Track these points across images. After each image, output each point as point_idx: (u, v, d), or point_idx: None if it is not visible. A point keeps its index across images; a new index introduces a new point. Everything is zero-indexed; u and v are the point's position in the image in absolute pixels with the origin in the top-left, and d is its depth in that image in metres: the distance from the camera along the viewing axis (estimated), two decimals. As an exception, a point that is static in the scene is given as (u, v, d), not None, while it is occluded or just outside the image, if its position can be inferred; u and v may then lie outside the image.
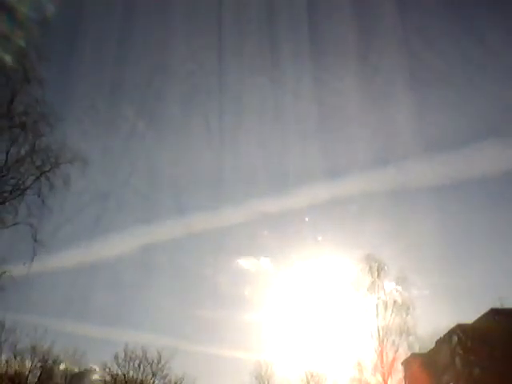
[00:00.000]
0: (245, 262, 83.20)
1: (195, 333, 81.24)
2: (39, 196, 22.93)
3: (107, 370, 61.77)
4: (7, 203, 23.27)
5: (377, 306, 46.68)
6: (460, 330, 50.68)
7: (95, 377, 62.90)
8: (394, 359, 46.55)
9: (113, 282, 78.04)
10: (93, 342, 74.18)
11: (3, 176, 22.66)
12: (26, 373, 58.29)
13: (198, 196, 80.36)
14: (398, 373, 49.88)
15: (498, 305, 48.05)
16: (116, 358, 61.42)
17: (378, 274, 47.03)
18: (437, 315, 59.67)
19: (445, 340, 52.87)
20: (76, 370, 61.81)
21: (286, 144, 75.73)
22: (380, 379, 46.16)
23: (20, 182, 23.02)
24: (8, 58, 21.66)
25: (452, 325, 51.44)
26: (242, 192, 79.82)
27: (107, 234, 71.19)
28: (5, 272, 23.89)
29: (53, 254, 45.66)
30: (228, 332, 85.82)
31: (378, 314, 46.54)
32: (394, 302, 46.70)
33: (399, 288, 47.14)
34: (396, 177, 65.61)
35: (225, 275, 79.95)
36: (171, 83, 72.16)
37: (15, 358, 57.45)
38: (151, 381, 61.81)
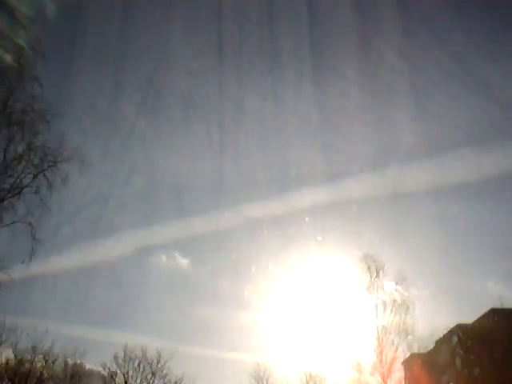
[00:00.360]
0: (245, 263, 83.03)
1: (194, 334, 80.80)
2: (37, 193, 22.95)
3: (107, 369, 62.01)
4: (5, 202, 23.30)
5: (376, 305, 46.69)
6: (460, 330, 50.68)
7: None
8: (393, 359, 46.49)
9: (112, 284, 78.09)
10: (92, 343, 74.13)
11: (1, 174, 22.68)
12: (26, 373, 58.32)
13: (198, 198, 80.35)
14: (398, 373, 49.87)
15: (498, 305, 48.09)
16: (115, 357, 61.66)
17: (377, 274, 46.99)
18: (437, 315, 59.48)
19: (445, 340, 52.85)
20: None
21: (285, 145, 76.15)
22: (379, 379, 46.12)
23: (18, 180, 23.05)
24: (7, 57, 21.69)
25: (452, 325, 51.50)
26: (243, 194, 79.74)
27: (107, 235, 71.18)
28: (2, 269, 23.88)
29: (52, 256, 45.61)
30: (227, 333, 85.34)
31: (377, 314, 46.57)
32: (394, 301, 46.67)
33: (399, 288, 47.14)
34: (397, 179, 65.95)
35: (224, 276, 79.86)
36: (171, 83, 72.24)
37: (15, 357, 57.55)
38: (151, 381, 61.93)
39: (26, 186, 23.10)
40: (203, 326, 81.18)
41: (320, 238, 52.95)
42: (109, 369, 61.86)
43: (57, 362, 59.84)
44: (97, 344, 76.23)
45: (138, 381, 61.71)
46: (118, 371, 61.42)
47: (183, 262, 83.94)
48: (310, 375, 58.38)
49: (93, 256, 63.13)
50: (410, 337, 46.68)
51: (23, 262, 23.08)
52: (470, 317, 50.79)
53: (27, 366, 58.32)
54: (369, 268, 46.83)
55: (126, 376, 61.49)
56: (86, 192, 49.10)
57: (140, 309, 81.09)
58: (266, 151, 76.39)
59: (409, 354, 51.22)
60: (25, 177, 23.05)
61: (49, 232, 25.45)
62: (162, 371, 61.69)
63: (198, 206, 77.12)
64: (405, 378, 53.77)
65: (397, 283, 47.05)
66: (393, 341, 46.02)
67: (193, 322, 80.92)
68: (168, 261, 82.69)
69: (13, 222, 23.54)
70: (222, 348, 75.13)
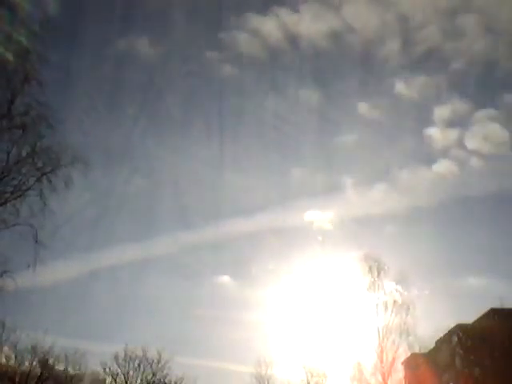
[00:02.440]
0: (246, 264, 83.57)
1: (193, 341, 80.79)
2: (41, 197, 22.87)
3: (107, 369, 61.96)
4: (8, 204, 23.19)
5: (377, 305, 46.71)
6: (460, 330, 50.77)
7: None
8: (393, 359, 46.48)
9: (111, 293, 78.64)
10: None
11: (4, 177, 22.59)
12: (26, 373, 58.28)
13: (200, 205, 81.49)
14: (398, 373, 49.89)
15: (498, 305, 48.17)
16: (116, 357, 61.60)
17: (378, 274, 47.03)
18: (437, 315, 59.61)
19: (445, 340, 52.95)
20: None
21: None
22: (380, 379, 46.16)
23: (21, 183, 22.94)
24: (9, 57, 21.57)
25: (452, 325, 51.64)
26: (245, 201, 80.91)
27: (106, 242, 71.84)
28: (6, 272, 23.78)
29: (53, 262, 45.69)
30: (229, 332, 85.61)
31: (377, 314, 46.59)
32: (394, 301, 46.69)
33: (399, 288, 47.19)
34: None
35: (227, 277, 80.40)
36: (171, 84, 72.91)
37: (15, 358, 57.51)
38: (151, 381, 61.88)
39: (28, 189, 23.01)
40: (203, 325, 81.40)
41: (320, 239, 53.00)
42: (109, 369, 61.95)
43: (56, 362, 60.03)
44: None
45: (139, 381, 61.80)
46: (119, 371, 61.50)
47: (186, 270, 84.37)
48: (312, 375, 58.49)
49: (92, 264, 63.93)
50: (410, 337, 46.71)
51: (29, 267, 22.93)
52: (470, 317, 50.99)
53: (27, 365, 58.37)
54: (370, 268, 46.94)
55: (126, 376, 61.51)
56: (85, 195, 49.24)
57: (138, 317, 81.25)
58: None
59: (409, 354, 51.28)
60: (28, 179, 23.00)
61: (51, 236, 25.11)
62: (162, 371, 61.83)
63: (200, 215, 78.61)
64: (405, 378, 53.85)
65: (397, 283, 47.19)
66: (393, 341, 46.06)
67: (193, 324, 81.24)
68: (170, 269, 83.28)
69: (14, 225, 23.40)
70: (224, 349, 75.39)
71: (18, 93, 22.09)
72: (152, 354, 61.71)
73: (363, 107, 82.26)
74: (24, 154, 22.60)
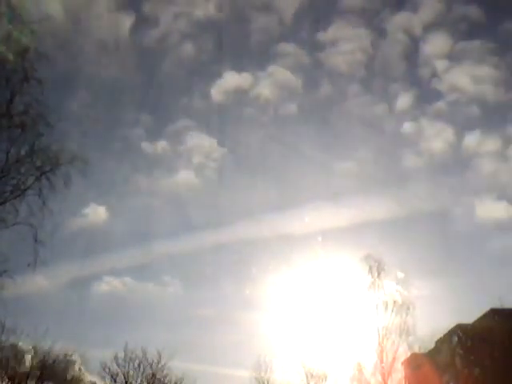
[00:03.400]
0: (247, 263, 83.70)
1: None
2: (40, 197, 22.85)
3: (107, 369, 61.90)
4: (7, 203, 23.18)
5: (377, 305, 46.73)
6: (460, 330, 50.77)
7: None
8: (393, 359, 46.57)
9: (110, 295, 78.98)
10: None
11: (3, 176, 22.58)
12: (26, 373, 58.28)
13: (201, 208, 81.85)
14: (398, 373, 49.87)
15: (498, 305, 48.17)
16: (116, 358, 61.55)
17: (378, 274, 47.09)
18: (437, 315, 59.57)
19: (445, 340, 52.92)
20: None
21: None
22: (380, 379, 46.18)
23: (20, 182, 22.92)
24: (8, 55, 21.55)
25: (452, 325, 51.65)
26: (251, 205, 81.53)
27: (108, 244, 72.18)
28: (5, 271, 23.76)
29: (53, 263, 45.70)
30: (228, 334, 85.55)
31: (378, 314, 46.61)
32: (394, 302, 46.78)
33: (399, 288, 47.26)
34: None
35: (232, 279, 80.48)
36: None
37: (15, 357, 57.44)
38: (151, 381, 61.82)
39: (28, 188, 22.98)
40: (202, 331, 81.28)
41: (320, 239, 52.94)
42: (109, 369, 61.90)
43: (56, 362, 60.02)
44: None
45: (139, 381, 61.76)
46: (119, 371, 61.47)
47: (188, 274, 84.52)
48: (311, 375, 58.37)
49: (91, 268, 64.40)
50: (410, 337, 46.82)
51: (28, 265, 22.89)
52: (470, 317, 50.97)
53: (27, 365, 58.37)
54: (370, 268, 46.99)
55: (126, 376, 61.48)
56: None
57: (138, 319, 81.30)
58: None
59: (409, 354, 51.28)
60: (27, 179, 22.96)
61: (51, 235, 25.02)
62: (162, 371, 61.75)
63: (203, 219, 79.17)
64: (405, 378, 53.78)
65: (398, 283, 47.27)
66: (393, 341, 46.14)
67: (191, 326, 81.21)
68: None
69: (14, 224, 23.38)
70: (222, 357, 75.56)
71: (17, 92, 22.08)
72: (152, 354, 61.77)
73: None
74: (23, 153, 22.59)
